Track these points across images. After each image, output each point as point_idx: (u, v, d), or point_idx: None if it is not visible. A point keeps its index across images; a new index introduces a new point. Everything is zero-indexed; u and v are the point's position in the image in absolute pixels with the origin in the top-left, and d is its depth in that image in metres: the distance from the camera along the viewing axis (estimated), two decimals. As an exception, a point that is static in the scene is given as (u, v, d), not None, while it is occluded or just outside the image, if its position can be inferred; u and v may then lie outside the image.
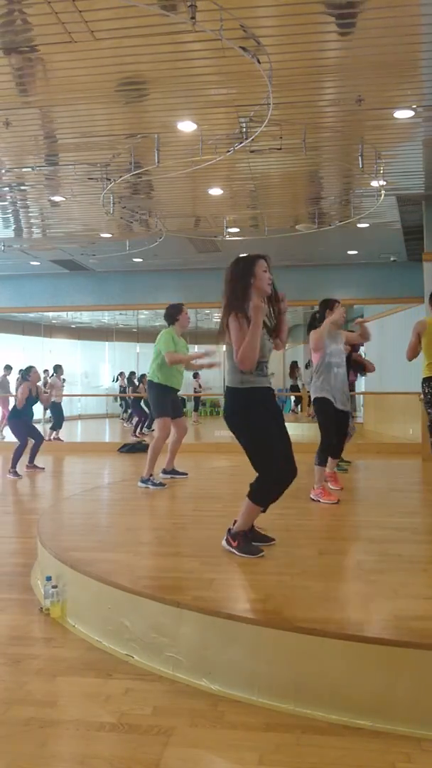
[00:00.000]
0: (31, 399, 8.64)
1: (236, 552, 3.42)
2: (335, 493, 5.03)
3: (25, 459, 8.63)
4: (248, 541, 3.47)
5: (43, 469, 8.95)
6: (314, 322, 5.16)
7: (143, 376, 13.92)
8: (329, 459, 5.18)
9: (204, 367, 5.96)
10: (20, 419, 8.54)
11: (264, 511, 3.53)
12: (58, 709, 2.46)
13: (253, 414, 3.39)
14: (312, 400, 5.10)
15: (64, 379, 13.16)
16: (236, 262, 3.50)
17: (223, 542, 3.52)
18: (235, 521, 3.51)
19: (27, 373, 8.64)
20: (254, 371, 3.40)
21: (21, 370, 8.88)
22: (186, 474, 6.22)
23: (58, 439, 12.29)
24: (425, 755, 2.12)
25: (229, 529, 3.51)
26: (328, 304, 5.16)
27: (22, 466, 8.50)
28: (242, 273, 3.42)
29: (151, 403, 5.94)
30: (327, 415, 4.99)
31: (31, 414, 8.85)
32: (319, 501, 4.88)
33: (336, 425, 5.03)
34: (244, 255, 3.54)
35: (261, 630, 2.54)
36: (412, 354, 5.38)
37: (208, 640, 2.66)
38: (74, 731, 2.29)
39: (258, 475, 3.42)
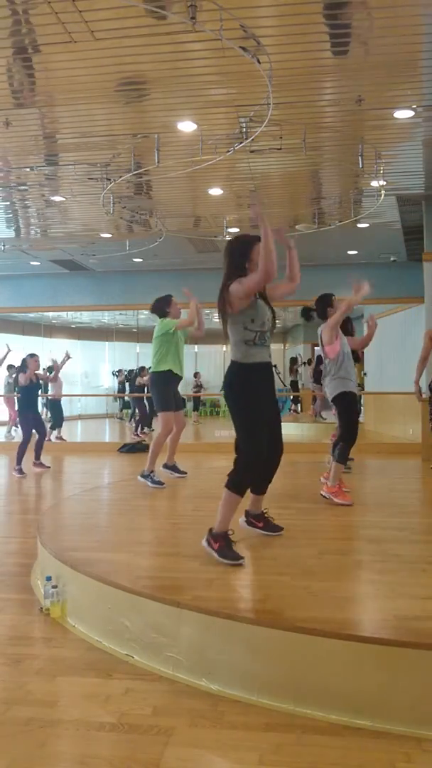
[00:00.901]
0: (35, 386, 8.62)
1: (217, 555, 3.30)
2: (350, 495, 4.87)
3: (30, 457, 8.64)
4: (230, 544, 3.34)
5: (49, 467, 8.98)
6: (307, 313, 5.05)
7: (142, 368, 13.89)
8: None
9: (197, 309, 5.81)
10: (30, 411, 8.52)
11: (263, 492, 3.59)
12: (58, 709, 2.46)
13: (246, 394, 3.38)
14: (333, 397, 4.87)
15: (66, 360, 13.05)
16: (233, 243, 3.48)
17: (203, 542, 3.39)
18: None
19: (25, 363, 8.59)
20: (256, 341, 3.39)
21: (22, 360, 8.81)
22: (185, 473, 6.22)
23: (61, 438, 12.24)
24: (425, 755, 2.12)
25: (211, 529, 3.39)
26: (327, 302, 5.04)
27: (28, 464, 8.51)
28: (238, 255, 3.40)
29: (153, 395, 5.87)
30: (352, 409, 4.89)
31: (36, 406, 8.85)
32: (332, 500, 4.75)
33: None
34: (242, 235, 3.52)
35: (261, 630, 2.54)
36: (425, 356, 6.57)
37: (208, 640, 2.66)
38: (74, 731, 2.29)
39: (236, 458, 3.40)
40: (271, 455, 3.55)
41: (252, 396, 3.39)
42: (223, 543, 3.33)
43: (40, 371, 9.22)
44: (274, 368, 3.64)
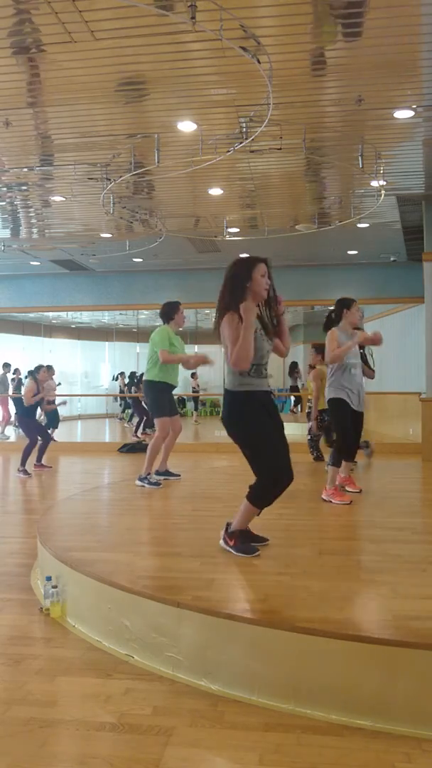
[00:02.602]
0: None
1: (233, 551, 3.44)
2: (350, 495, 5.00)
3: (32, 458, 8.68)
4: (245, 540, 3.49)
5: (51, 467, 9.08)
6: (330, 323, 5.07)
7: (141, 376, 13.91)
8: (344, 462, 5.09)
9: (199, 364, 5.86)
10: (31, 418, 8.67)
11: (258, 514, 3.52)
12: (58, 709, 2.46)
13: (250, 417, 3.37)
14: (327, 401, 4.97)
15: (59, 383, 13.13)
16: (235, 264, 3.47)
17: (221, 541, 3.55)
18: (230, 522, 3.53)
19: (36, 372, 8.73)
20: (252, 373, 3.38)
21: (29, 371, 8.98)
22: (179, 475, 6.21)
23: (52, 439, 12.26)
24: (425, 755, 2.12)
25: (227, 527, 3.53)
26: (345, 304, 5.02)
27: (30, 466, 8.55)
28: (240, 275, 3.39)
29: (149, 403, 5.90)
30: (343, 415, 4.90)
31: (35, 414, 8.98)
32: (330, 501, 4.86)
33: (352, 426, 4.94)
34: (245, 256, 3.51)
35: (261, 630, 2.54)
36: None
37: (208, 640, 2.66)
38: (74, 731, 2.29)
39: (257, 478, 3.42)
40: None
41: (254, 415, 3.37)
42: (238, 540, 3.47)
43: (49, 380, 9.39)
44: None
